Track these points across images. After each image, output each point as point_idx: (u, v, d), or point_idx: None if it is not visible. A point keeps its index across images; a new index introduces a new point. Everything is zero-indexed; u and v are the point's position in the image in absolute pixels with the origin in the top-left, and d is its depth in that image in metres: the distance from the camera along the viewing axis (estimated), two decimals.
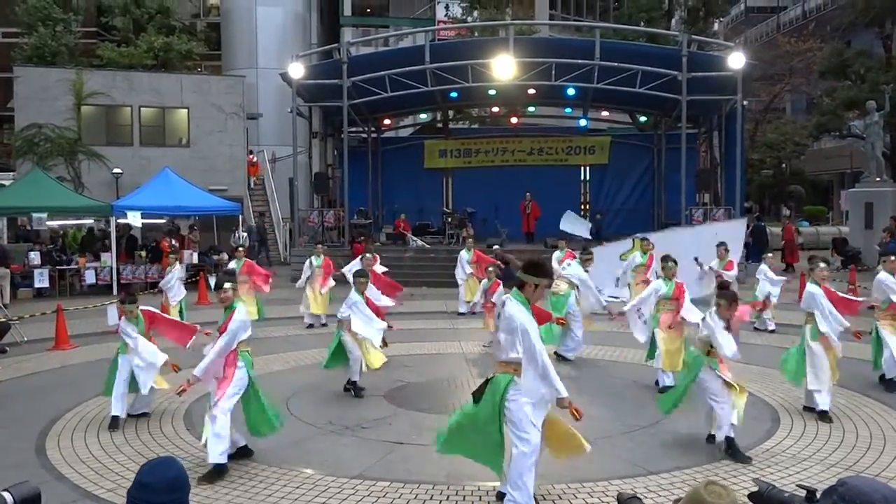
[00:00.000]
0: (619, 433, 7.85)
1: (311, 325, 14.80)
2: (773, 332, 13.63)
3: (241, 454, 7.04)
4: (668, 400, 7.63)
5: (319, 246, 15.95)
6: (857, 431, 7.82)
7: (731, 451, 6.99)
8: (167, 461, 2.79)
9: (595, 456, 7.13)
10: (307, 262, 15.13)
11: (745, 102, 24.67)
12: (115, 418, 8.12)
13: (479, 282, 14.54)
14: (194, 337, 8.50)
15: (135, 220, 20.43)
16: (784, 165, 49.40)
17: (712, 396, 7.09)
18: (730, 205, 23.36)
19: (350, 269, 12.80)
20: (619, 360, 11.71)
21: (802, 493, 2.51)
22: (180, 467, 2.75)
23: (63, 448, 7.47)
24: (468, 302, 15.66)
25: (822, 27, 44.30)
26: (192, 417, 8.40)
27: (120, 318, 8.55)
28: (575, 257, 12.94)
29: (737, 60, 21.54)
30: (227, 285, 7.12)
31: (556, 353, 11.15)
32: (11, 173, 32.49)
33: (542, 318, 7.35)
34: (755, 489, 2.64)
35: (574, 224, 23.21)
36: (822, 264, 8.66)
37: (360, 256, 14.05)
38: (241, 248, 15.27)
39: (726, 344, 7.03)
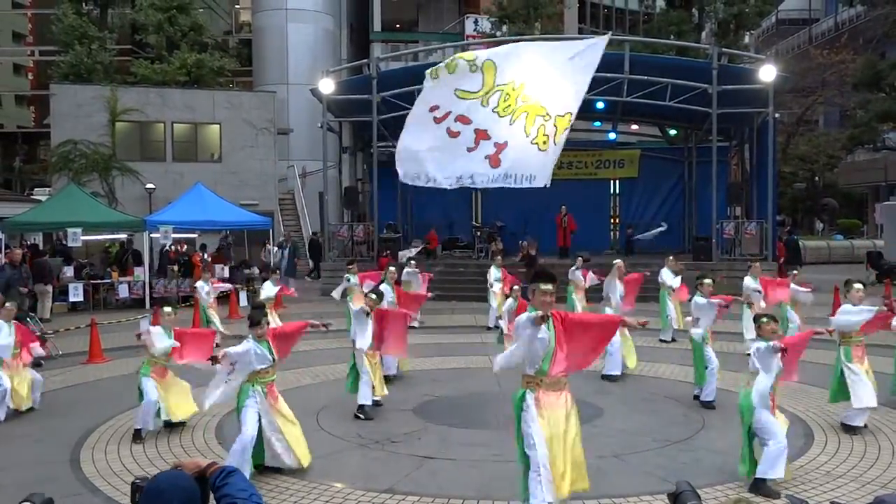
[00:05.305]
0: (650, 448, 7.79)
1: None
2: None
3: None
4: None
5: (353, 266, 15.65)
6: (893, 448, 7.69)
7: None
8: (179, 472, 2.66)
9: (625, 471, 7.11)
10: (344, 279, 15.16)
11: (776, 115, 24.42)
12: (137, 431, 8.26)
13: (506, 298, 14.47)
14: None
15: (165, 235, 20.66)
16: (817, 178, 48.84)
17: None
18: (762, 218, 23.10)
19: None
20: (648, 375, 11.63)
21: None
22: (192, 478, 2.62)
23: (97, 461, 7.56)
24: (498, 317, 15.59)
25: (854, 39, 43.86)
26: (223, 430, 8.47)
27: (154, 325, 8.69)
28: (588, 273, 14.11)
29: (768, 73, 21.32)
30: (263, 321, 7.03)
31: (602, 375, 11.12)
32: (47, 189, 33.11)
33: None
34: None
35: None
36: (857, 285, 8.47)
37: (384, 271, 13.84)
38: (277, 272, 15.29)
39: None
